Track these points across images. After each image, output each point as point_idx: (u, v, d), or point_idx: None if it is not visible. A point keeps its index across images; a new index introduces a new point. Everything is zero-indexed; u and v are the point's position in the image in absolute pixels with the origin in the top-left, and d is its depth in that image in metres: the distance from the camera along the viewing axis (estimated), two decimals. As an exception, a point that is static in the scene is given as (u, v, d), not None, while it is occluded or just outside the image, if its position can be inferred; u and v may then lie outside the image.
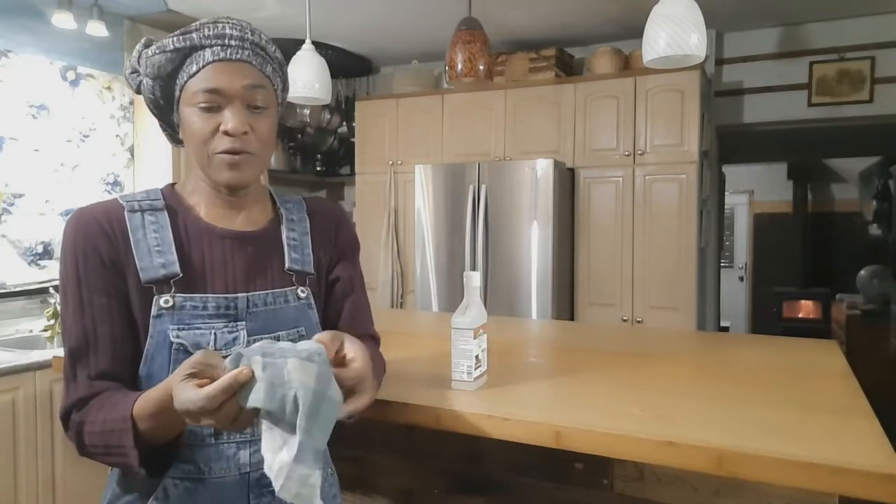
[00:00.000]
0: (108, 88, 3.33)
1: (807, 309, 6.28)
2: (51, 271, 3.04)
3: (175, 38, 0.92)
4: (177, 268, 0.93)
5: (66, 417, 0.91)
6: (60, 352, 1.71)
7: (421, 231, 3.54)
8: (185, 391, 0.75)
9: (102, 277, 0.91)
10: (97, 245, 0.91)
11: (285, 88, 1.05)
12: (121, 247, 0.92)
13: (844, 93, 3.45)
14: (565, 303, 3.36)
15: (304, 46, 2.34)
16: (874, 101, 3.40)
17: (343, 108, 4.48)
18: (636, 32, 2.52)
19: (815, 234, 7.35)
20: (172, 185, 1.03)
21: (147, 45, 0.96)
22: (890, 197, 5.56)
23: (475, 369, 1.27)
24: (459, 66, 2.39)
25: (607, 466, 1.25)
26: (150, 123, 3.39)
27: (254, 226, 1.02)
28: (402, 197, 3.91)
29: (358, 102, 4.09)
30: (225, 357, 0.79)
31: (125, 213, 0.94)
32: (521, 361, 1.64)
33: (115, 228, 0.92)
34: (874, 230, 6.24)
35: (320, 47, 2.79)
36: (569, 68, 3.66)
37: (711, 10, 2.69)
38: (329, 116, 4.33)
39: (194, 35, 0.92)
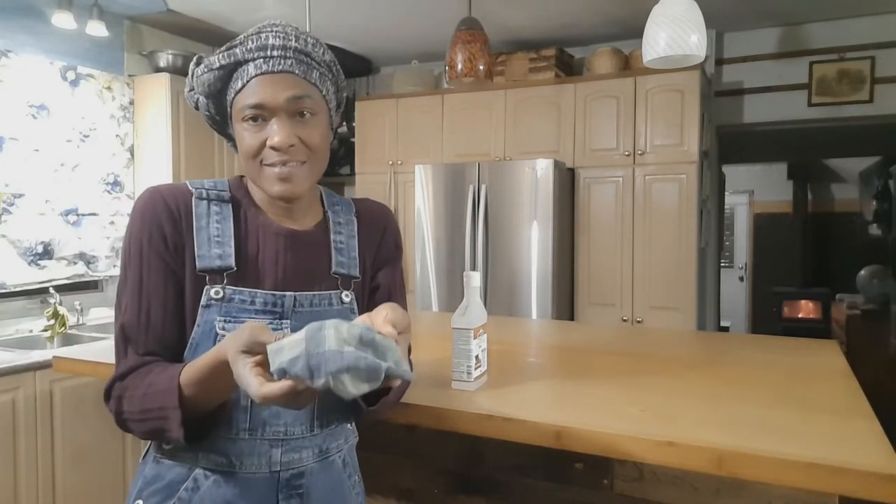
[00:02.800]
0: (108, 88, 3.33)
1: (807, 309, 6.27)
2: (51, 271, 3.04)
3: (220, 55, 0.94)
4: (232, 261, 0.94)
5: (110, 387, 0.91)
6: (60, 352, 1.71)
7: (421, 231, 3.53)
8: (244, 371, 0.74)
9: (163, 260, 0.92)
10: (163, 226, 0.93)
11: (340, 89, 1.04)
12: (184, 231, 0.94)
13: (844, 93, 3.45)
14: (565, 303, 3.36)
15: (304, 46, 2.34)
16: (874, 101, 3.40)
17: (343, 108, 4.48)
18: (636, 32, 2.51)
19: (815, 234, 7.35)
20: (240, 177, 1.03)
21: (198, 63, 0.97)
22: (890, 197, 5.56)
23: (475, 369, 1.27)
24: (459, 66, 2.39)
25: (607, 466, 1.25)
26: (150, 123, 3.40)
27: (305, 226, 1.02)
28: (402, 197, 3.91)
29: (358, 102, 4.09)
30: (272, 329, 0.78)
31: (193, 199, 0.96)
32: (521, 361, 1.64)
33: (181, 212, 0.94)
34: (874, 230, 6.24)
35: (320, 47, 2.79)
36: (569, 68, 3.65)
37: (711, 10, 2.68)
38: (329, 116, 4.33)
39: (238, 50, 0.93)
